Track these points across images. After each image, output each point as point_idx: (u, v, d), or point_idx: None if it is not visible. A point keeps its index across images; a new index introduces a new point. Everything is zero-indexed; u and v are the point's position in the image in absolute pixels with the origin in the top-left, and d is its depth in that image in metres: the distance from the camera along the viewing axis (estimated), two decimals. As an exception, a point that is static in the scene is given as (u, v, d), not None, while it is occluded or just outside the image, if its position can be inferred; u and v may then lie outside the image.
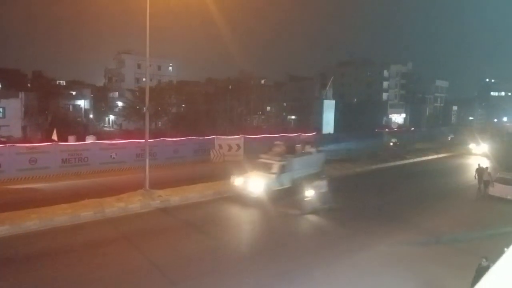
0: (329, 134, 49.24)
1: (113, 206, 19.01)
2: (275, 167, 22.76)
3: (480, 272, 10.76)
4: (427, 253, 15.26)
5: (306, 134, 42.87)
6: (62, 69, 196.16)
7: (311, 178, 22.54)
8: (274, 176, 22.41)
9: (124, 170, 28.73)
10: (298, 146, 26.87)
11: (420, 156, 43.17)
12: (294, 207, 20.46)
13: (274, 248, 15.32)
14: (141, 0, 21.78)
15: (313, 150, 27.01)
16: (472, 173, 27.78)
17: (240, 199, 21.79)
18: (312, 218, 19.49)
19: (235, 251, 15.17)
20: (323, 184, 20.55)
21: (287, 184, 23.26)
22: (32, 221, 16.49)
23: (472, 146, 46.47)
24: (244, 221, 19.34)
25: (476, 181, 25.74)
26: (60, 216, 17.28)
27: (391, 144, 49.92)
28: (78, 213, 17.74)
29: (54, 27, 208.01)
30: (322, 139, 39.69)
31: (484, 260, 10.78)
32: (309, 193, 20.20)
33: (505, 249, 8.83)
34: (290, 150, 25.23)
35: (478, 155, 43.02)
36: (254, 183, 21.74)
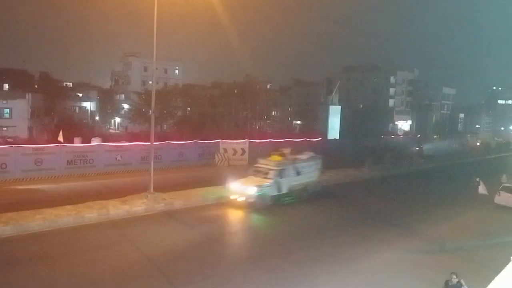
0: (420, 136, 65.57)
1: (118, 208, 19.05)
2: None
3: None
4: (431, 261, 15.13)
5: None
6: (69, 70, 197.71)
7: None
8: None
9: (129, 173, 28.80)
10: None
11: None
12: None
13: (276, 253, 15.26)
14: (148, 2, 21.93)
15: None
16: None
17: (241, 204, 21.42)
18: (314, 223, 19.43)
19: (238, 255, 15.14)
20: None
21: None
22: (36, 222, 16.55)
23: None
24: (245, 226, 19.31)
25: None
26: (64, 217, 17.33)
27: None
28: (82, 214, 17.78)
29: (62, 29, 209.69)
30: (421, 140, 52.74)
31: (454, 276, 10.16)
32: None
33: (512, 257, 8.77)
34: None
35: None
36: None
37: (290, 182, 23.03)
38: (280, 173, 22.45)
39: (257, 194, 21.05)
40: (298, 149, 27.19)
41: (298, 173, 23.65)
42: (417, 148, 51.50)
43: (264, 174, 22.48)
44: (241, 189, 21.52)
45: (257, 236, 17.96)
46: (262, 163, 23.50)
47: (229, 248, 16.31)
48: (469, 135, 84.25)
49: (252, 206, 20.97)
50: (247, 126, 71.54)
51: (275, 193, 22.13)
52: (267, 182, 21.80)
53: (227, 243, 16.95)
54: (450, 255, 15.77)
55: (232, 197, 21.90)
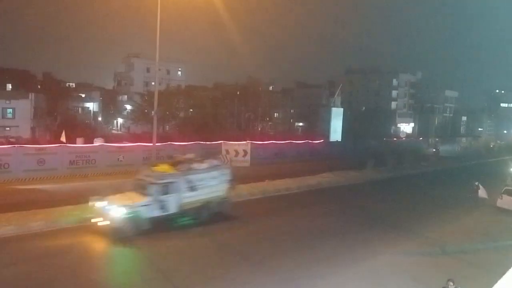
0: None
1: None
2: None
3: None
4: (432, 264, 15.08)
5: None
6: (72, 71, 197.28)
7: None
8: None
9: (131, 173, 28.69)
10: None
11: None
12: None
13: (279, 255, 15.25)
14: (151, 4, 22.07)
15: None
16: None
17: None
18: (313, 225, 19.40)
19: (239, 255, 15.12)
20: None
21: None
22: (38, 222, 16.58)
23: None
24: (248, 226, 19.15)
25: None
26: (66, 217, 17.35)
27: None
28: (84, 215, 17.77)
29: (65, 29, 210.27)
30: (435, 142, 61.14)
31: (451, 283, 10.06)
32: None
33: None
34: None
35: None
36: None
37: (182, 199, 17.89)
38: (164, 188, 17.24)
39: (127, 216, 15.90)
40: (200, 155, 21.49)
41: (193, 188, 18.37)
42: (434, 150, 56.37)
43: (143, 189, 17.30)
44: (106, 210, 16.40)
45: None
46: (144, 175, 18.18)
47: (233, 247, 16.13)
48: (480, 137, 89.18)
49: (117, 233, 15.68)
50: (249, 127, 71.44)
51: (156, 214, 16.93)
52: (143, 200, 16.74)
53: (235, 240, 16.82)
54: (451, 258, 15.74)
55: (93, 220, 16.59)
